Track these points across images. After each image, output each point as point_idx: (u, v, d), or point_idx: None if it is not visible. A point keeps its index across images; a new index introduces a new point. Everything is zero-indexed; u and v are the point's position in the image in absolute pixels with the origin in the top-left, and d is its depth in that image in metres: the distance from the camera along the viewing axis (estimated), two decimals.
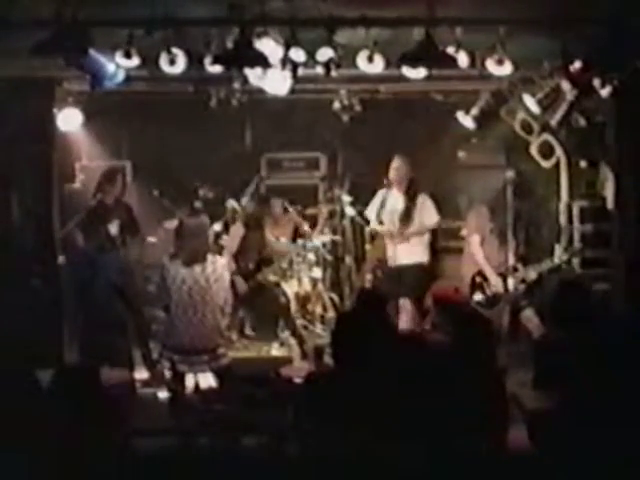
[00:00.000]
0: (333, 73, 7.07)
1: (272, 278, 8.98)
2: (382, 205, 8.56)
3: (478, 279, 8.18)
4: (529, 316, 7.96)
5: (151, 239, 9.09)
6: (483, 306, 8.02)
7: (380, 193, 8.65)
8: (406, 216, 8.46)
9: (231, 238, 9.16)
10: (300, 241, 9.32)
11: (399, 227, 8.45)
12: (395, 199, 8.57)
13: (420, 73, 7.28)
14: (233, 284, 8.08)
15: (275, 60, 6.93)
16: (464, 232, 8.67)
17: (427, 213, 8.57)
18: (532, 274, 8.08)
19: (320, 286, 9.42)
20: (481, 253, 8.26)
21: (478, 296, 8.15)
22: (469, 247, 8.44)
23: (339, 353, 4.87)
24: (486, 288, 8.16)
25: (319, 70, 7.10)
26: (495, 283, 8.09)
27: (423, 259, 8.53)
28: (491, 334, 5.22)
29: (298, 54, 6.97)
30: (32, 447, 4.07)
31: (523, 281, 8.06)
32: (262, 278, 8.95)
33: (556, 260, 8.24)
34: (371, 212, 8.77)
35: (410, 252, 8.46)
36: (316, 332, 9.12)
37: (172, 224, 8.74)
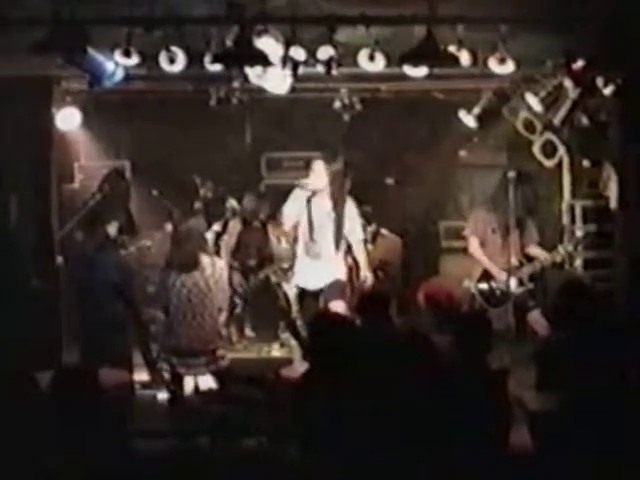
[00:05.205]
0: (334, 72, 7.05)
1: (273, 279, 8.95)
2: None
3: (484, 278, 8.14)
4: (536, 317, 7.91)
5: (148, 242, 9.03)
6: (489, 305, 7.97)
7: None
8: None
9: (229, 234, 9.13)
10: None
11: None
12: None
13: (421, 72, 7.25)
14: (231, 281, 8.04)
15: (275, 59, 6.89)
16: (466, 232, 8.62)
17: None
18: (533, 268, 8.03)
19: None
20: (481, 254, 8.19)
21: (483, 295, 8.10)
22: (469, 249, 8.40)
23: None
24: (492, 287, 8.11)
25: (320, 69, 7.07)
26: (501, 283, 8.03)
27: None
28: (490, 334, 5.19)
29: (298, 52, 6.94)
30: (31, 448, 4.05)
31: (524, 282, 8.01)
32: (263, 277, 8.92)
33: (560, 250, 8.15)
34: None
35: None
36: None
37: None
